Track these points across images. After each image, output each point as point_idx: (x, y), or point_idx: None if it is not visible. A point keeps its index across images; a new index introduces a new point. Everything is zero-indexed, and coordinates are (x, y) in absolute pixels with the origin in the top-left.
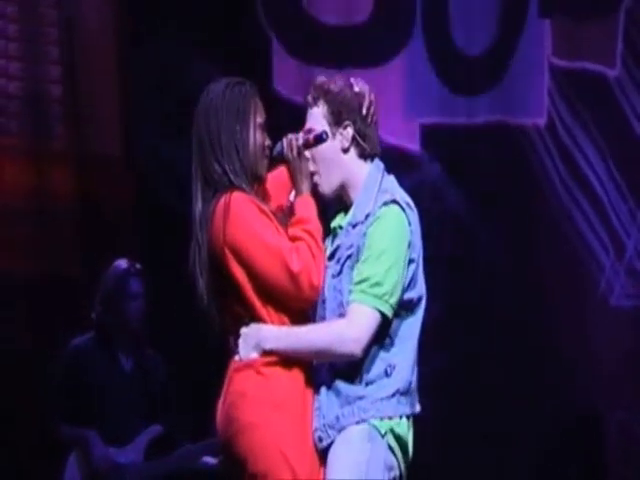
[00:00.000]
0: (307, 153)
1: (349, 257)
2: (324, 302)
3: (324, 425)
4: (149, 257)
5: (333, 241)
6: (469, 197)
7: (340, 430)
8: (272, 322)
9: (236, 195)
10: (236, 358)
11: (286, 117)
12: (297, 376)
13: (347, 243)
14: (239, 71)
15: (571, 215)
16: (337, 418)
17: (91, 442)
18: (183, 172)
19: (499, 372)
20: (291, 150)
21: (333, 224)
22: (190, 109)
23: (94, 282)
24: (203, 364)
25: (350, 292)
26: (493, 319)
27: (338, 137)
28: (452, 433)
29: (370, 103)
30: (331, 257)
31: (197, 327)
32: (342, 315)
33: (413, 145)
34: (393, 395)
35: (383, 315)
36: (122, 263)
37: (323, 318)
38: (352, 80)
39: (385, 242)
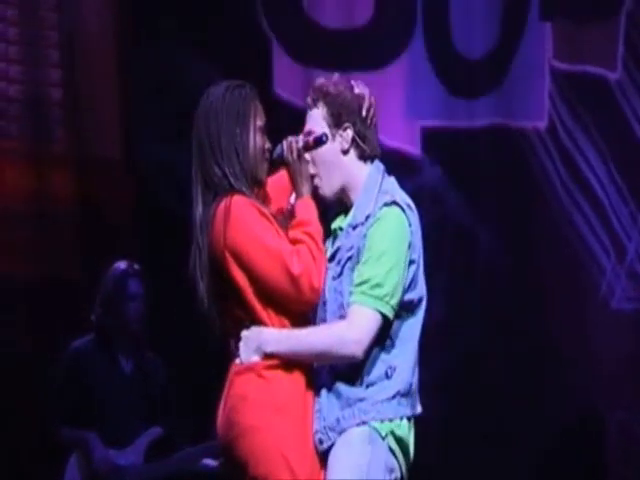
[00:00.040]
0: (307, 155)
1: (349, 259)
2: (325, 304)
3: (325, 427)
4: (149, 260)
5: (333, 243)
6: (470, 200)
7: (341, 432)
8: (273, 325)
9: (236, 198)
10: (237, 361)
11: (286, 120)
12: (298, 379)
13: (347, 245)
14: (239, 74)
15: (572, 218)
16: (338, 420)
17: (91, 444)
18: (183, 175)
19: (499, 372)
20: (291, 153)
21: (333, 226)
22: (190, 112)
23: (94, 285)
24: (203, 367)
25: (351, 294)
26: (493, 321)
27: (338, 139)
28: (452, 433)
29: (370, 105)
30: (331, 259)
31: (198, 330)
32: (343, 317)
33: (414, 148)
34: (393, 397)
35: (384, 316)
36: (121, 264)
37: (324, 320)
38: (352, 82)
39: (385, 243)
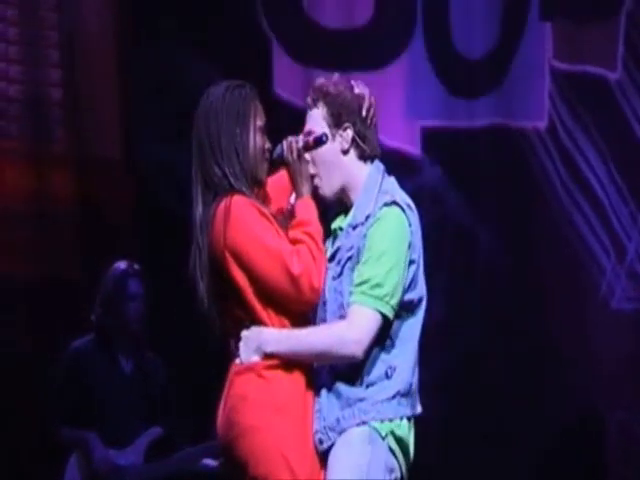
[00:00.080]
0: (307, 155)
1: (349, 259)
2: (325, 304)
3: (325, 427)
4: (149, 260)
5: (333, 243)
6: (470, 200)
7: (341, 432)
8: (273, 325)
9: (236, 198)
10: (237, 361)
11: (286, 120)
12: (298, 379)
13: (347, 245)
14: (239, 74)
15: (572, 218)
16: (337, 420)
17: (91, 444)
18: (183, 175)
19: (499, 372)
20: (291, 153)
21: (333, 226)
22: (190, 112)
23: (94, 285)
24: (203, 367)
25: (351, 294)
26: (493, 321)
27: (338, 139)
28: (452, 433)
29: (370, 105)
30: (331, 259)
31: (198, 330)
32: (343, 317)
33: (414, 148)
34: (393, 397)
35: (384, 316)
36: (121, 264)
37: (324, 320)
38: (352, 82)
39: (385, 243)
